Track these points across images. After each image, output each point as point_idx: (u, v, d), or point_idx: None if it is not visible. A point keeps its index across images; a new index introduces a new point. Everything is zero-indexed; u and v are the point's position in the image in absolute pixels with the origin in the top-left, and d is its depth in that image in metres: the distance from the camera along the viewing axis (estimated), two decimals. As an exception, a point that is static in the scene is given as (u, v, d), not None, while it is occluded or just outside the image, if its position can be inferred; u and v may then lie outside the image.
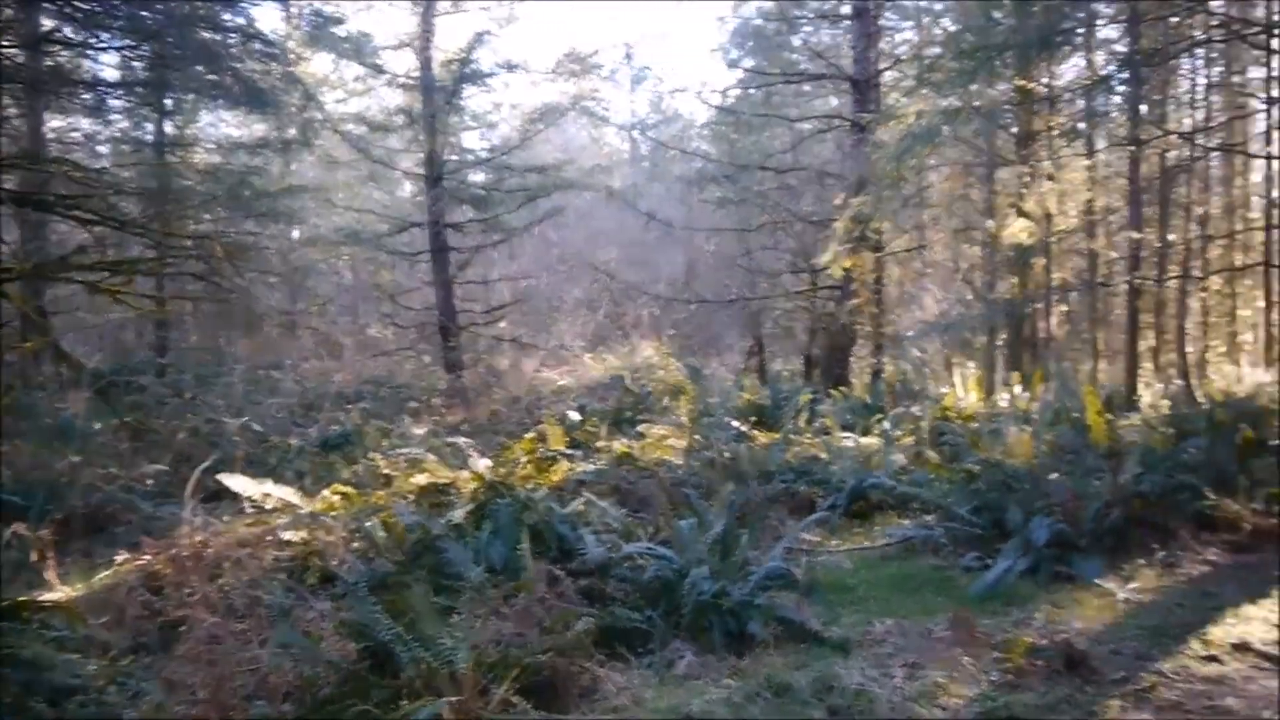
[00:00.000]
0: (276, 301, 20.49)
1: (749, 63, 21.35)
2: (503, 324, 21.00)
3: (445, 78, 18.46)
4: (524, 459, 8.53)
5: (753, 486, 8.68)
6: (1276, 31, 15.80)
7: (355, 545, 6.64)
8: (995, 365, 19.52)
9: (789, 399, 12.98)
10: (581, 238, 25.04)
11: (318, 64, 19.36)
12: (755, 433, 11.16)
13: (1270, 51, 16.50)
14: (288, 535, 6.56)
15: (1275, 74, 20.27)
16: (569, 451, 10.00)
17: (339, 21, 18.29)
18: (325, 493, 7.65)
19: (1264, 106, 18.93)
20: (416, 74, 18.83)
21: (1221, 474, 8.87)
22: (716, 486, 8.17)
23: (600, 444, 10.60)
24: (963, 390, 14.09)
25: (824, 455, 10.09)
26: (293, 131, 16.91)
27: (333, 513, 7.16)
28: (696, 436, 10.55)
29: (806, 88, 20.71)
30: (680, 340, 21.42)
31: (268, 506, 7.19)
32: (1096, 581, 6.50)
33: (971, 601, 6.16)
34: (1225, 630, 5.70)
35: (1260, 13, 18.94)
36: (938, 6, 20.56)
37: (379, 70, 19.23)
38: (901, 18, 20.40)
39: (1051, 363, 17.48)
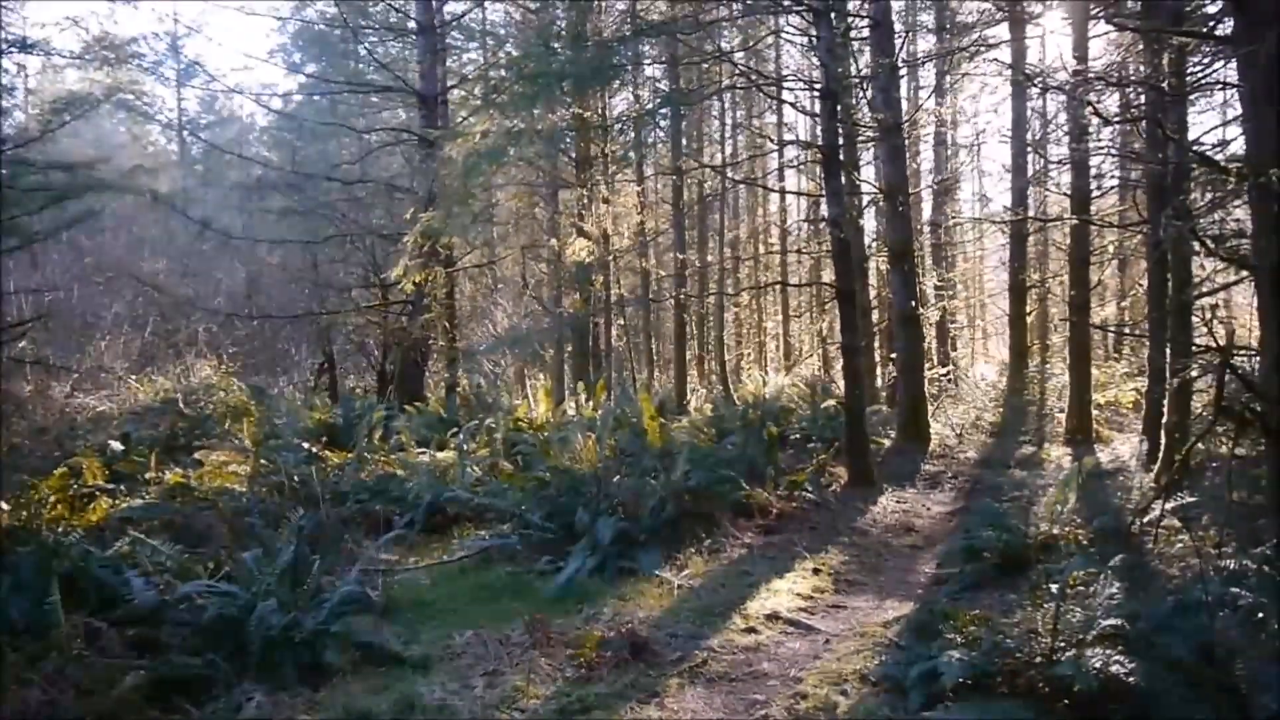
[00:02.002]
0: None
1: (312, 68, 20.49)
2: (22, 343, 18.05)
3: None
4: (53, 498, 7.38)
5: (325, 509, 8.29)
6: (785, 84, 18.45)
7: None
8: (563, 376, 20.56)
9: (362, 416, 12.61)
10: (123, 246, 22.35)
11: None
12: (327, 453, 10.69)
13: (780, 101, 19.21)
14: None
15: (785, 120, 23.71)
16: (110, 486, 8.85)
17: None
18: None
19: (776, 148, 21.97)
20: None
21: (753, 466, 10.14)
22: (285, 512, 7.68)
23: (150, 475, 9.52)
24: (534, 401, 14.64)
25: (400, 472, 9.94)
26: None
27: None
28: (262, 461, 9.87)
29: (374, 99, 20.33)
30: (243, 359, 19.90)
31: None
32: (656, 572, 7.08)
33: (546, 604, 6.40)
34: (760, 603, 6.49)
35: (772, 67, 22.05)
36: (502, 31, 21.29)
37: None
38: (468, 38, 20.78)
39: (613, 372, 18.80)
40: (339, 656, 5.19)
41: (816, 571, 7.45)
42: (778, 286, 25.14)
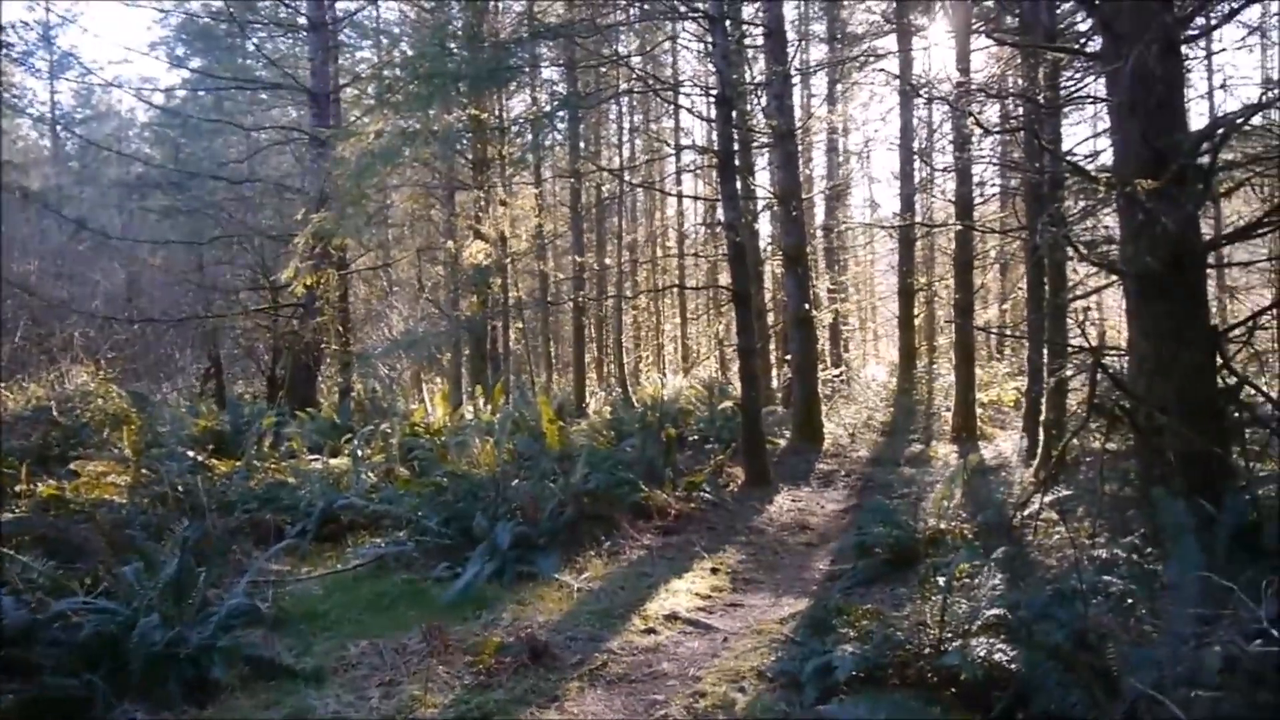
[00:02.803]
0: None
1: (197, 63, 19.78)
2: None
3: None
4: (-93, 515, 6.95)
5: (212, 520, 8.00)
6: (682, 89, 18.65)
7: None
8: (461, 379, 20.33)
9: (251, 423, 12.23)
10: (-12, 246, 21.16)
11: None
12: (214, 461, 10.33)
13: (677, 106, 19.42)
14: None
15: (682, 125, 23.94)
16: (-25, 500, 8.36)
17: None
18: None
19: (673, 152, 22.18)
20: None
21: (652, 467, 10.20)
22: (169, 524, 7.40)
23: (20, 488, 9.03)
24: (431, 405, 14.43)
25: (291, 480, 9.67)
26: None
27: None
28: (144, 471, 9.46)
29: (263, 96, 19.73)
30: (123, 364, 19.03)
31: None
32: (555, 576, 7.06)
33: (444, 610, 6.31)
34: (659, 604, 6.53)
35: (669, 72, 22.26)
36: (396, 29, 20.93)
37: None
38: (361, 36, 20.39)
39: (511, 375, 18.67)
40: (227, 672, 5.01)
41: (715, 571, 7.54)
42: (675, 289, 25.40)
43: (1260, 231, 6.80)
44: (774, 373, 20.35)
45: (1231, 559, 4.51)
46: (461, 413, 14.00)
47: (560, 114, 17.32)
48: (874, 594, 6.39)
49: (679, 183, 25.58)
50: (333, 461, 10.70)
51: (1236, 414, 6.17)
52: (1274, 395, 6.62)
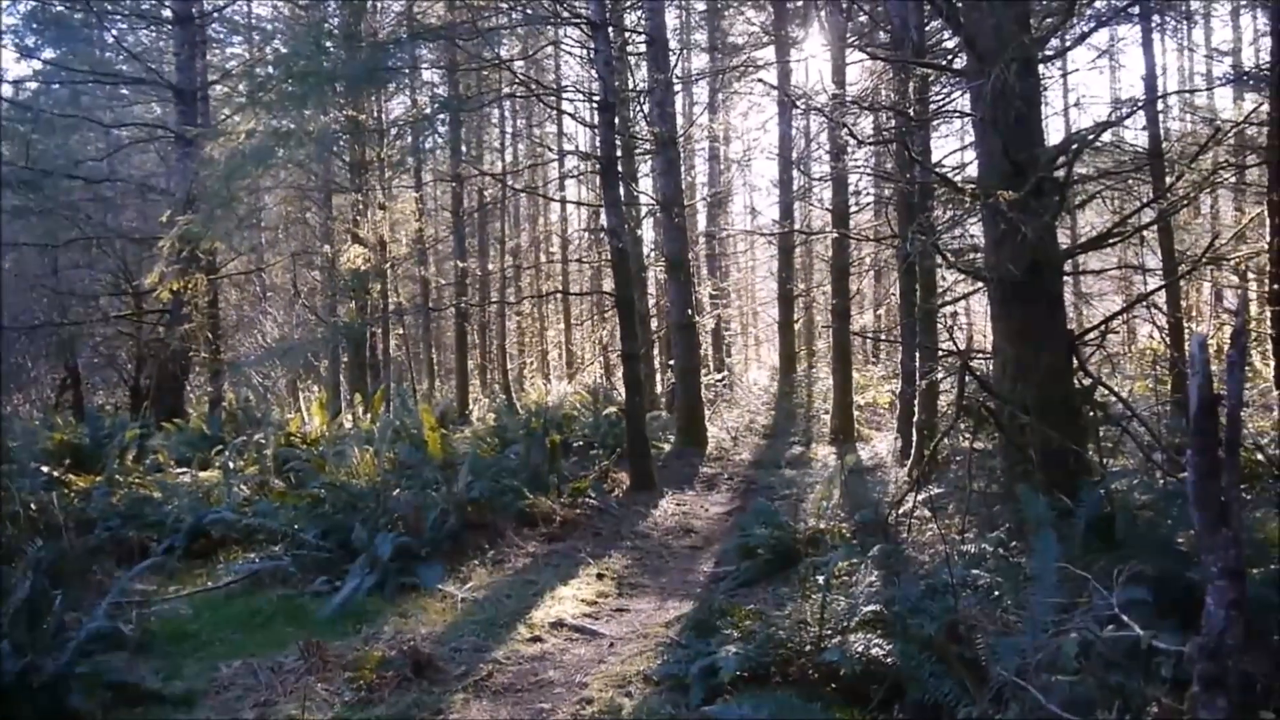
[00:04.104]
0: None
1: (50, 54, 18.68)
2: None
3: None
4: None
5: (69, 539, 7.55)
6: (564, 95, 18.65)
7: None
8: (339, 388, 19.79)
9: (112, 436, 11.61)
10: None
11: None
12: (71, 477, 9.77)
13: (560, 111, 19.39)
14: None
15: (565, 131, 23.93)
16: None
17: None
18: None
19: (556, 157, 22.16)
20: None
21: (536, 474, 10.15)
22: (20, 544, 6.95)
23: None
24: (307, 415, 14.00)
25: (157, 494, 9.21)
26: None
27: None
28: (-8, 488, 8.88)
29: (124, 91, 18.78)
30: (-33, 375, 17.84)
31: None
32: (439, 587, 6.94)
33: (323, 626, 6.12)
34: (545, 612, 6.50)
35: (552, 77, 22.23)
36: (269, 26, 20.25)
37: None
38: (231, 31, 19.64)
39: (391, 383, 18.27)
40: (87, 700, 4.74)
41: (600, 577, 7.55)
42: (559, 295, 25.34)
43: (1111, 241, 7.24)
44: (658, 378, 20.52)
45: (1088, 549, 4.78)
46: (340, 422, 13.62)
47: (441, 117, 17.10)
48: (757, 594, 6.51)
49: (562, 188, 25.57)
50: (202, 474, 10.26)
51: (1091, 413, 6.54)
52: (1124, 395, 7.05)
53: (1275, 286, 11.65)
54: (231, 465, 10.17)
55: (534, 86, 15.74)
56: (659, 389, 20.16)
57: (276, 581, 7.16)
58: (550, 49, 19.95)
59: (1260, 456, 7.25)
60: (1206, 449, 2.66)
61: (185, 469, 10.62)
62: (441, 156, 21.72)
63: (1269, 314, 12.79)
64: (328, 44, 12.47)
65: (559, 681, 5.23)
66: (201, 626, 6.25)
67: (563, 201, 24.98)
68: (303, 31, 14.81)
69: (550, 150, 21.99)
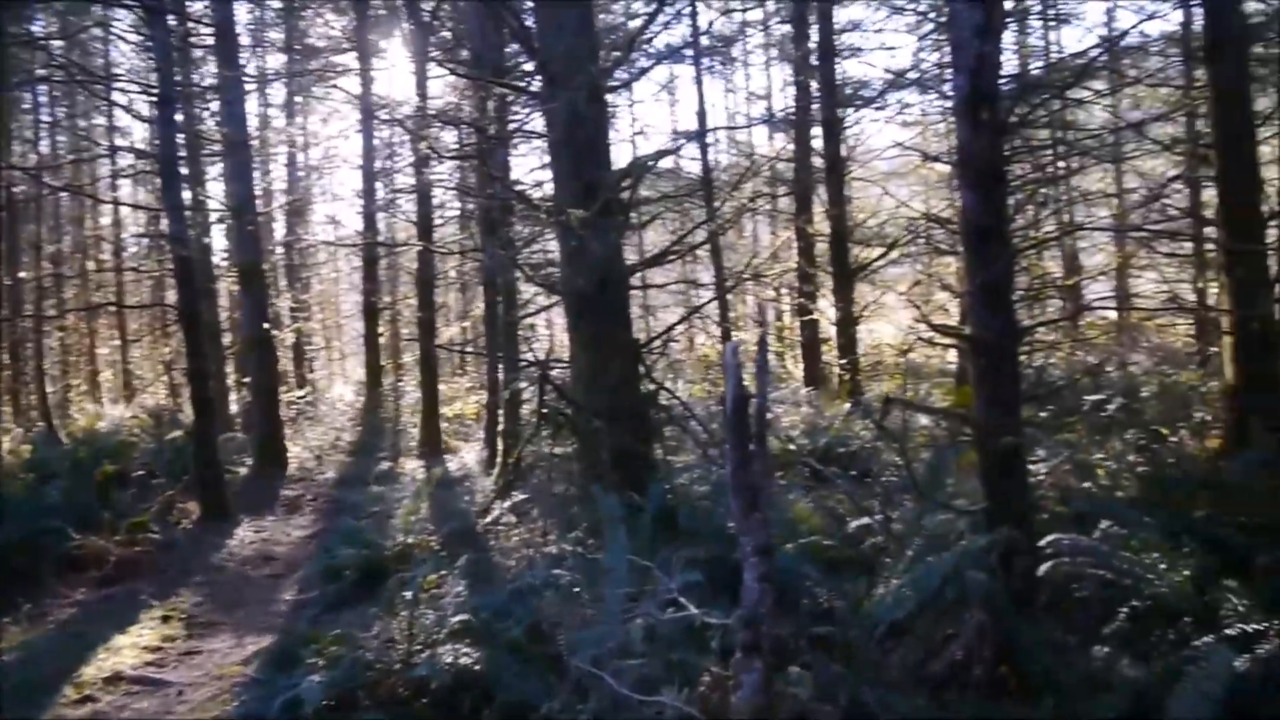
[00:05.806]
0: None
1: None
2: None
3: None
4: None
5: None
6: (116, 84, 16.73)
7: None
8: None
9: None
10: None
11: None
12: None
13: (110, 102, 17.36)
14: None
15: (117, 124, 21.46)
16: None
17: None
18: None
19: (106, 153, 19.81)
20: None
21: (85, 512, 8.99)
22: None
23: None
24: None
25: None
26: None
27: None
28: None
29: None
30: None
31: None
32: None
33: None
34: (98, 667, 5.76)
35: (101, 62, 19.83)
36: None
37: None
38: None
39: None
40: None
41: (166, 619, 6.84)
42: (112, 308, 22.60)
43: (670, 258, 8.01)
44: (232, 397, 19.06)
45: (655, 541, 5.23)
46: None
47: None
48: (344, 617, 6.27)
49: (115, 189, 22.85)
50: None
51: (656, 415, 7.18)
52: (684, 398, 7.82)
53: (801, 300, 13.61)
54: None
55: (77, 72, 13.96)
56: (234, 409, 18.76)
57: None
58: (98, 30, 17.79)
59: (793, 446, 8.41)
60: (739, 443, 3.04)
61: None
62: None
63: (798, 324, 14.93)
64: None
65: (116, 742, 4.67)
66: None
67: (115, 203, 22.30)
68: None
69: (98, 145, 19.57)
